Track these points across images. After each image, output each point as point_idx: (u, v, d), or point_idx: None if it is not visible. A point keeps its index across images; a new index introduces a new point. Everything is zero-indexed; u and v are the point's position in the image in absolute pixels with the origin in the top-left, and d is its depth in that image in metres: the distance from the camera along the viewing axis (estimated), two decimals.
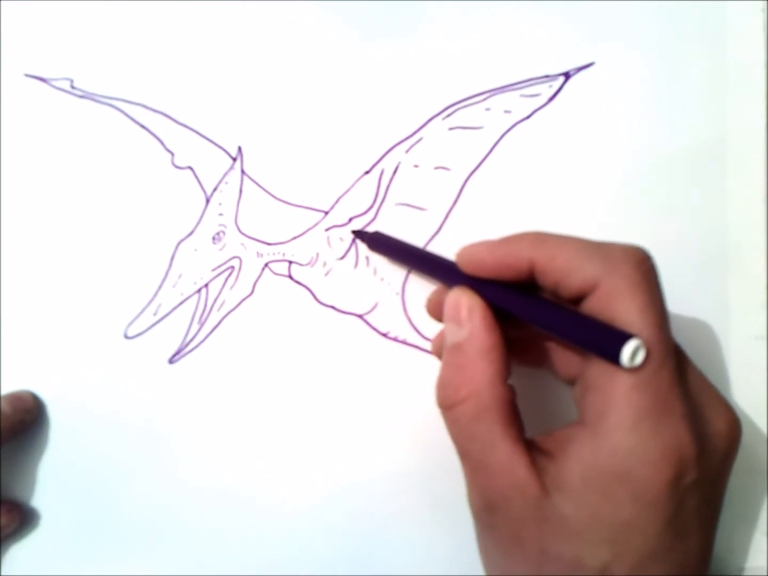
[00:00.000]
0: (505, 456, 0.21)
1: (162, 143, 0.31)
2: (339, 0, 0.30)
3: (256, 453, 0.30)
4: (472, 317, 0.22)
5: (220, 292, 0.30)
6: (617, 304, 0.20)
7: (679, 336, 0.29)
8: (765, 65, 0.29)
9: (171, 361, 0.30)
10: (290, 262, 0.30)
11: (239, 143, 0.30)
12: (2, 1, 0.31)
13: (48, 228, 0.31)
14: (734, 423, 0.22)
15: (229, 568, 0.30)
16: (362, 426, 0.29)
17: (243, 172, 0.30)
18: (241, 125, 0.30)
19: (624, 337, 0.19)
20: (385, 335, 0.30)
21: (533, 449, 0.21)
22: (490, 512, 0.21)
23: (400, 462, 0.29)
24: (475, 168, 0.29)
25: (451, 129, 0.30)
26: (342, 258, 0.30)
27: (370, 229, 0.30)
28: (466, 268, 0.23)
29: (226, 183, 0.30)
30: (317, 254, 0.30)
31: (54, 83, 0.31)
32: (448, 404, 0.22)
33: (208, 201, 0.31)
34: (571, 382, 0.24)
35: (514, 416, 0.21)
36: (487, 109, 0.30)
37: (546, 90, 0.29)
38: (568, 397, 0.23)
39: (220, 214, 0.30)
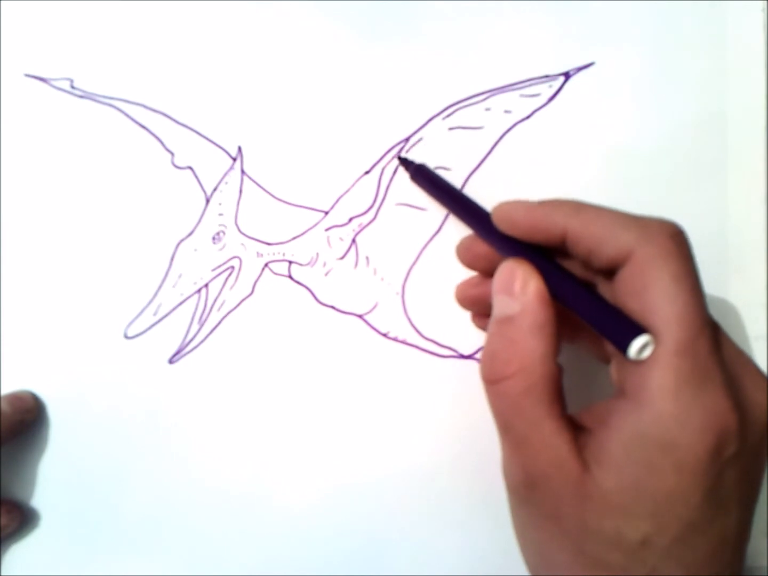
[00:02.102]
0: (549, 433, 0.20)
1: (162, 143, 0.31)
2: (339, 0, 0.30)
3: (257, 453, 0.30)
4: (526, 290, 0.22)
5: (220, 292, 0.30)
6: (652, 273, 0.20)
7: None
8: (765, 65, 0.29)
9: (171, 361, 0.30)
10: (290, 262, 0.30)
11: (239, 143, 0.30)
12: (2, 1, 0.31)
13: (48, 228, 0.31)
14: None
15: (230, 569, 0.30)
16: (362, 426, 0.29)
17: (243, 172, 0.30)
18: (241, 125, 0.30)
19: (635, 331, 0.19)
20: (385, 335, 0.30)
21: (574, 426, 0.21)
22: (530, 488, 0.21)
23: (400, 462, 0.29)
24: (475, 168, 0.29)
25: (451, 129, 0.30)
26: (342, 258, 0.30)
27: (371, 231, 0.30)
28: (500, 224, 0.23)
29: (226, 183, 0.30)
30: (317, 254, 0.30)
31: (54, 83, 0.31)
32: (495, 377, 0.22)
33: (208, 201, 0.31)
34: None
35: (559, 394, 0.21)
36: (487, 109, 0.30)
37: (546, 90, 0.29)
38: (604, 374, 0.23)
39: (220, 214, 0.30)
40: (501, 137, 0.29)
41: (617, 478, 0.19)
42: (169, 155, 0.31)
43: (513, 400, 0.21)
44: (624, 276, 0.21)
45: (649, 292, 0.20)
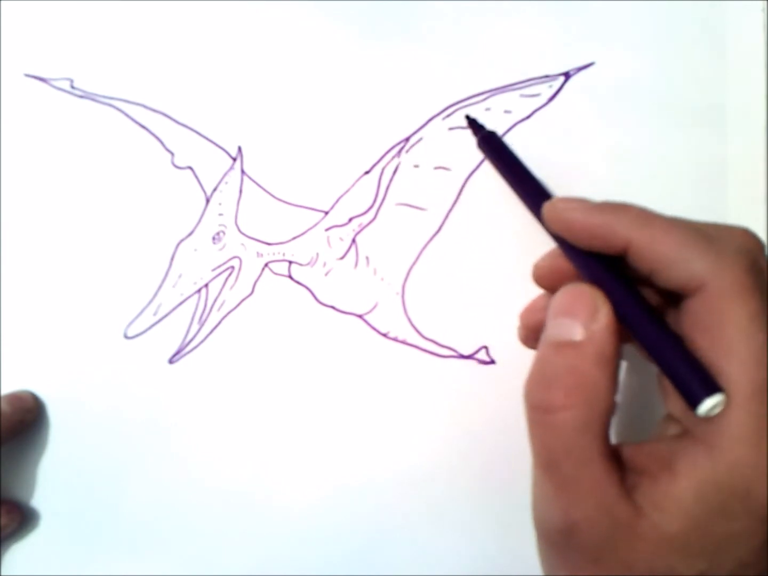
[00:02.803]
0: (600, 475, 0.19)
1: (162, 143, 0.31)
2: (339, 0, 0.30)
3: (257, 453, 0.30)
4: (597, 317, 0.20)
5: (220, 292, 0.30)
6: (727, 311, 0.18)
7: None
8: (765, 65, 0.29)
9: (171, 361, 0.30)
10: (290, 262, 0.30)
11: (239, 143, 0.30)
12: (2, 1, 0.31)
13: (48, 228, 0.31)
14: None
15: (230, 569, 0.30)
16: (362, 426, 0.29)
17: (243, 172, 0.30)
18: (241, 125, 0.30)
19: (710, 388, 0.18)
20: (385, 335, 0.30)
21: (620, 462, 0.20)
22: (570, 534, 0.19)
23: (400, 462, 0.29)
24: (475, 168, 0.29)
25: (451, 129, 0.30)
26: (342, 258, 0.30)
27: (371, 231, 0.30)
28: (552, 223, 0.21)
29: (226, 183, 0.30)
30: (317, 254, 0.30)
31: (54, 83, 0.31)
32: (548, 406, 0.19)
33: (208, 201, 0.31)
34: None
35: (608, 430, 0.20)
36: (487, 109, 0.30)
37: (546, 90, 0.29)
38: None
39: (220, 214, 0.30)
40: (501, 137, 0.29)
41: (685, 522, 0.18)
42: (169, 155, 0.31)
43: (567, 435, 0.19)
44: (694, 308, 0.19)
45: (723, 331, 0.18)
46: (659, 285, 0.20)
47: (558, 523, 0.20)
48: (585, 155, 0.29)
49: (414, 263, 0.30)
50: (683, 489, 0.18)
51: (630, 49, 0.29)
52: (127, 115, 0.31)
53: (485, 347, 0.29)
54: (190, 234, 0.30)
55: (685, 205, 0.29)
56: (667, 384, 0.20)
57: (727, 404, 0.18)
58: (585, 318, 0.20)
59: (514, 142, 0.29)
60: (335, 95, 0.30)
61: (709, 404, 0.18)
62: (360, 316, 0.30)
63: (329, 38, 0.30)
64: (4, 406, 0.29)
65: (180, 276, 0.30)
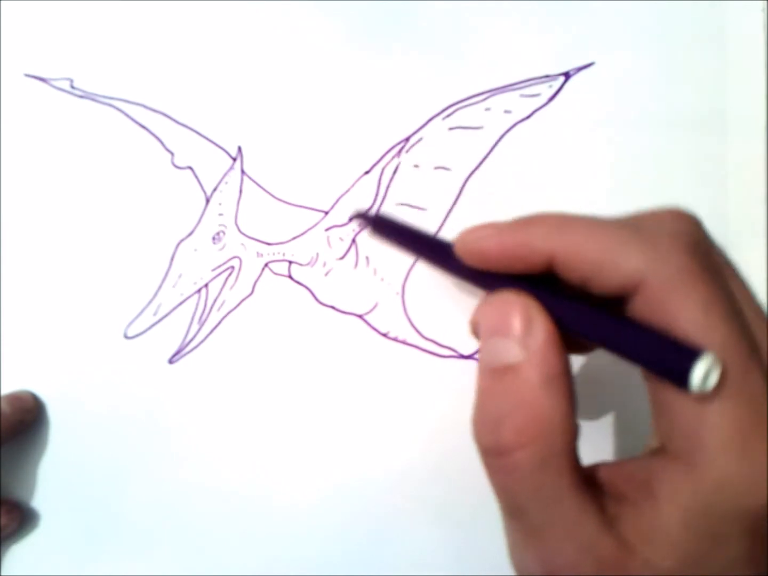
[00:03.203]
0: (574, 511, 0.16)
1: (162, 143, 0.31)
2: (339, 0, 0.30)
3: (257, 453, 0.30)
4: (532, 331, 0.17)
5: (220, 292, 0.30)
6: (675, 304, 0.16)
7: None
8: (765, 65, 0.29)
9: (171, 361, 0.30)
10: (290, 262, 0.30)
11: (239, 143, 0.30)
12: (2, 1, 0.31)
13: (48, 228, 0.31)
14: None
15: (230, 569, 0.30)
16: (362, 426, 0.29)
17: (243, 172, 0.30)
18: (241, 125, 0.30)
19: (692, 354, 0.15)
20: (385, 335, 0.30)
21: (595, 488, 0.17)
22: None
23: (400, 462, 0.29)
24: (475, 168, 0.29)
25: (451, 129, 0.30)
26: (342, 258, 0.30)
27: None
28: (466, 257, 0.19)
29: (226, 183, 0.30)
30: (317, 254, 0.30)
31: (54, 83, 0.31)
32: (499, 449, 0.17)
33: (208, 201, 0.31)
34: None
35: (577, 459, 0.17)
36: (487, 109, 0.30)
37: (546, 90, 0.29)
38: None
39: (220, 214, 0.30)
40: (501, 137, 0.29)
41: (676, 556, 0.16)
42: (169, 155, 0.31)
43: (528, 478, 0.17)
44: (638, 309, 0.17)
45: (676, 329, 0.16)
46: (597, 294, 0.17)
47: (537, 573, 0.17)
48: (585, 155, 0.29)
49: (414, 263, 0.30)
50: (668, 517, 0.16)
51: (630, 49, 0.29)
52: (127, 115, 0.31)
53: None
54: (190, 234, 0.30)
55: (685, 206, 0.29)
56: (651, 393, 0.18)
57: (700, 410, 0.16)
58: (519, 334, 0.17)
59: (515, 142, 0.29)
60: (335, 95, 0.30)
61: (701, 372, 0.15)
62: (360, 316, 0.30)
63: (329, 38, 0.30)
64: (4, 406, 0.29)
65: (180, 276, 0.30)
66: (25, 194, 0.31)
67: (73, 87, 0.31)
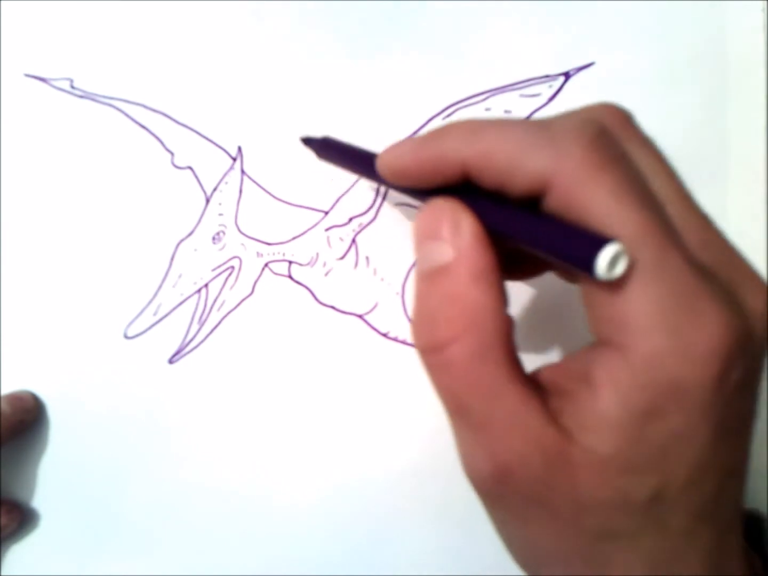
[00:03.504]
0: (516, 404, 0.17)
1: (162, 143, 0.31)
2: (339, 0, 0.30)
3: (257, 453, 0.30)
4: (460, 232, 0.18)
5: (220, 292, 0.30)
6: (582, 197, 0.16)
7: None
8: (765, 65, 0.29)
9: (171, 361, 0.30)
10: (290, 262, 0.30)
11: (239, 143, 0.30)
12: (2, 1, 0.31)
13: (48, 228, 0.31)
14: None
15: (230, 569, 0.30)
16: (362, 426, 0.29)
17: (243, 172, 0.30)
18: (241, 125, 0.30)
19: (598, 242, 0.15)
20: (385, 335, 0.30)
21: (538, 388, 0.18)
22: (503, 479, 0.17)
23: (400, 462, 0.29)
24: None
25: None
26: (342, 258, 0.30)
27: (371, 231, 0.30)
28: (387, 175, 0.20)
29: (226, 183, 0.30)
30: (317, 254, 0.30)
31: (54, 83, 0.31)
32: (435, 345, 0.17)
33: (208, 201, 0.31)
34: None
35: (515, 353, 0.17)
36: (487, 109, 0.30)
37: (546, 90, 0.29)
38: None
39: (220, 214, 0.30)
40: None
41: (616, 438, 0.16)
42: (169, 155, 0.31)
43: (465, 370, 0.17)
44: (553, 208, 0.17)
45: (588, 220, 0.16)
46: (517, 199, 0.18)
47: (488, 470, 0.17)
48: None
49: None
50: (605, 401, 0.16)
51: (630, 49, 0.29)
52: (127, 115, 0.31)
53: None
54: (190, 234, 0.30)
55: None
56: (584, 296, 0.18)
57: (626, 293, 0.16)
58: (449, 236, 0.18)
59: None
60: (335, 95, 0.30)
61: (605, 259, 0.15)
62: (360, 316, 0.30)
63: (329, 38, 0.30)
64: (4, 407, 0.29)
65: (180, 276, 0.30)
66: (25, 194, 0.31)
67: (73, 87, 0.31)
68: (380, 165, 0.20)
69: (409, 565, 0.29)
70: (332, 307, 0.30)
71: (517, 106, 0.29)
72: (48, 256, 0.31)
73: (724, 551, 0.18)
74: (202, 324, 0.30)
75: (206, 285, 0.30)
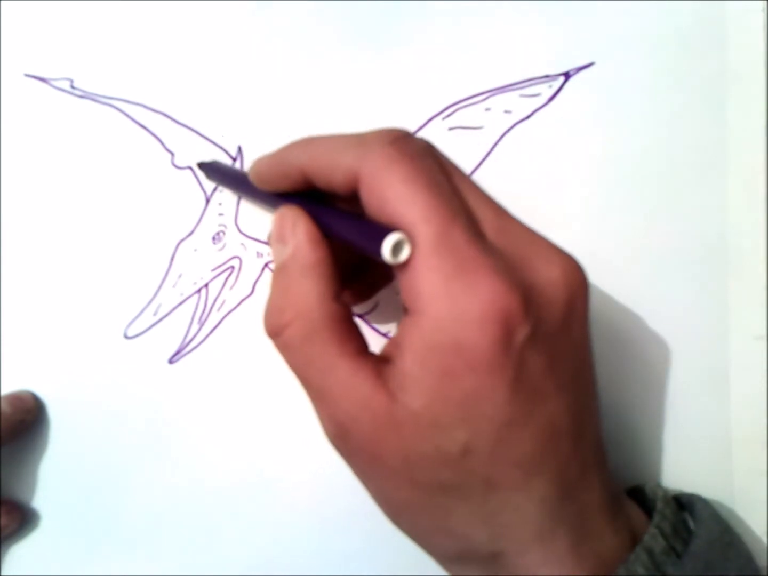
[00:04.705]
0: (346, 375, 0.19)
1: (162, 143, 0.31)
2: (339, 0, 0.30)
3: (257, 453, 0.30)
4: (295, 232, 0.21)
5: (220, 292, 0.30)
6: (380, 185, 0.19)
7: (680, 335, 0.29)
8: (765, 65, 0.29)
9: (171, 361, 0.30)
10: None
11: (239, 143, 0.30)
12: (2, 1, 0.31)
13: (48, 228, 0.31)
14: (570, 268, 0.20)
15: (230, 569, 0.30)
16: None
17: None
18: (241, 125, 0.30)
19: (384, 233, 0.18)
20: (385, 335, 0.30)
21: (379, 362, 0.20)
22: (344, 438, 0.20)
23: None
24: (475, 168, 0.29)
25: (451, 129, 0.30)
26: None
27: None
28: (255, 181, 0.24)
29: None
30: None
31: (54, 83, 0.31)
32: (274, 330, 0.21)
33: (208, 201, 0.31)
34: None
35: (351, 333, 0.20)
36: (487, 109, 0.30)
37: (546, 90, 0.29)
38: None
39: (220, 214, 0.30)
40: (501, 137, 0.29)
41: (421, 395, 0.19)
42: (169, 155, 0.31)
43: (298, 349, 0.20)
44: (363, 198, 0.20)
45: (385, 205, 0.19)
46: (342, 196, 0.21)
47: (331, 431, 0.21)
48: (585, 155, 0.29)
49: None
50: (409, 362, 0.19)
51: (630, 49, 0.29)
52: (127, 115, 0.31)
53: None
54: (190, 234, 0.30)
55: (685, 205, 0.29)
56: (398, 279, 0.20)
57: (414, 266, 0.18)
58: (288, 237, 0.21)
59: (515, 142, 0.29)
60: (335, 95, 0.30)
61: (389, 245, 0.18)
62: (360, 316, 0.30)
63: (329, 38, 0.30)
64: (4, 407, 0.29)
65: (180, 276, 0.30)
66: (25, 194, 0.31)
67: (73, 87, 0.31)
68: (250, 171, 0.24)
69: (409, 565, 0.29)
70: None
71: (517, 106, 0.29)
72: (48, 256, 0.31)
73: (569, 502, 0.20)
74: (202, 324, 0.30)
75: (206, 285, 0.30)
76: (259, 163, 0.24)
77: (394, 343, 0.20)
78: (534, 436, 0.19)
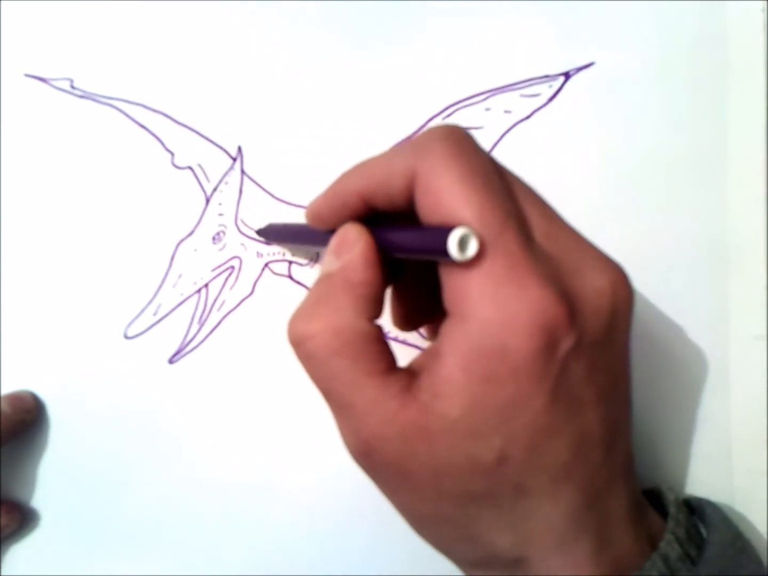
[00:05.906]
0: (373, 393, 0.19)
1: (162, 143, 0.31)
2: (339, 0, 0.30)
3: (257, 453, 0.30)
4: (353, 249, 0.20)
5: (220, 292, 0.30)
6: (436, 183, 0.18)
7: (679, 335, 0.29)
8: (765, 65, 0.29)
9: (171, 361, 0.30)
10: (290, 262, 0.30)
11: (239, 143, 0.30)
12: (2, 1, 0.31)
13: (48, 228, 0.31)
14: (617, 278, 0.20)
15: (230, 568, 0.30)
16: None
17: (243, 172, 0.30)
18: (241, 125, 0.30)
19: (447, 230, 0.18)
20: (385, 335, 0.30)
21: (408, 376, 0.20)
22: (369, 455, 0.20)
23: None
24: None
25: None
26: None
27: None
28: (313, 223, 0.23)
29: (226, 183, 0.30)
30: (317, 254, 0.30)
31: (54, 83, 0.31)
32: (297, 337, 0.20)
33: (208, 201, 0.31)
34: None
35: (381, 354, 0.20)
36: (487, 109, 0.30)
37: (546, 90, 0.29)
38: None
39: (220, 214, 0.30)
40: (501, 137, 0.29)
41: (460, 402, 0.18)
42: (169, 155, 0.31)
43: (323, 362, 0.20)
44: (419, 202, 0.19)
45: (439, 204, 0.18)
46: (402, 205, 0.20)
47: (355, 447, 0.20)
48: (585, 155, 0.29)
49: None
50: (450, 367, 0.18)
51: (630, 49, 0.29)
52: (127, 115, 0.31)
53: None
54: (190, 234, 0.30)
55: (685, 205, 0.29)
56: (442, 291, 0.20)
57: (462, 269, 0.18)
58: (343, 252, 0.21)
59: (515, 142, 0.29)
60: (335, 95, 0.30)
61: (455, 237, 0.17)
62: None
63: (329, 38, 0.30)
64: (4, 407, 0.29)
65: (180, 276, 0.30)
66: (25, 194, 0.31)
67: (73, 87, 0.31)
68: (306, 216, 0.23)
69: (409, 565, 0.29)
70: None
71: (517, 106, 0.29)
72: (48, 256, 0.31)
73: (595, 510, 0.20)
74: (202, 324, 0.30)
75: (206, 285, 0.30)
76: (313, 203, 0.23)
77: (430, 352, 0.20)
78: (567, 444, 0.19)
